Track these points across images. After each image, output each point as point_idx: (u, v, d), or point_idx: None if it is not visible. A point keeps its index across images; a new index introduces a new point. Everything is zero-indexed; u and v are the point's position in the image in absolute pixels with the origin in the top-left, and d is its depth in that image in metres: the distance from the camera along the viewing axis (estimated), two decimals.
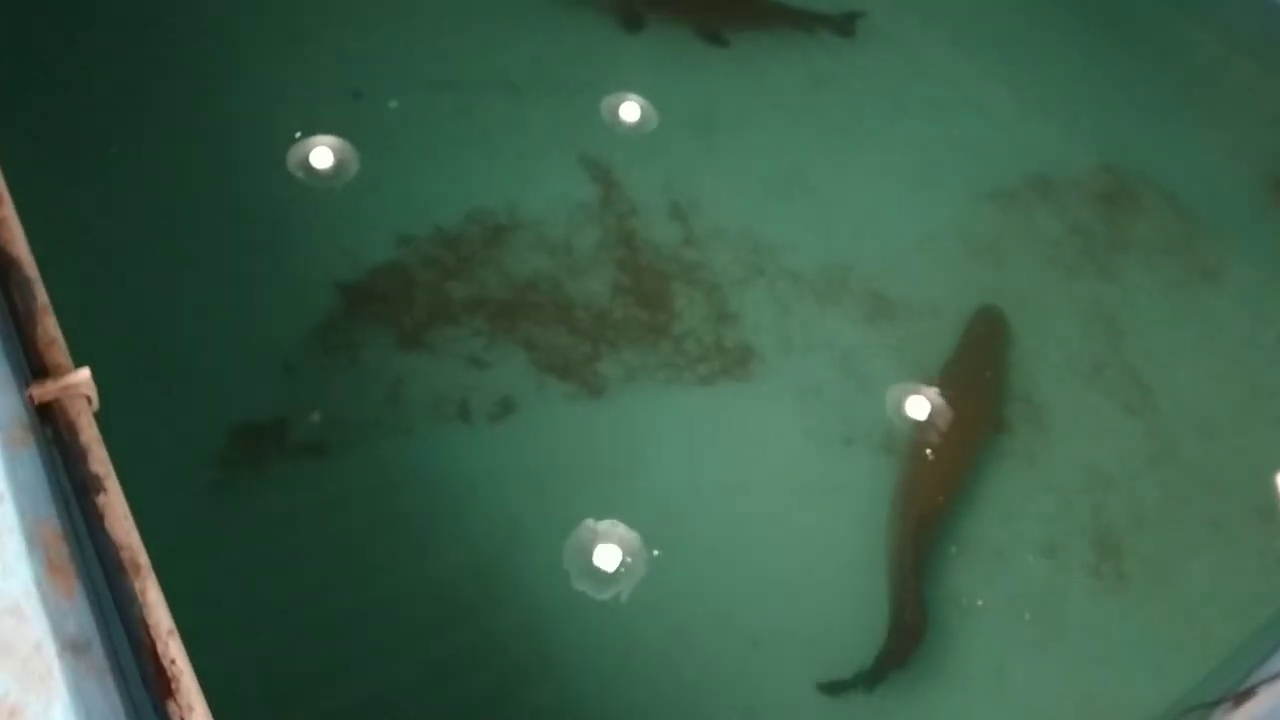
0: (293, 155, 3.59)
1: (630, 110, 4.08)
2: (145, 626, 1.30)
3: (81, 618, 1.24)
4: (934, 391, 3.52)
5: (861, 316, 3.68)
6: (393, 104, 3.74)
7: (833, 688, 2.85)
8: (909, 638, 2.96)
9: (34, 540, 1.24)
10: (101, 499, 1.39)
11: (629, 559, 2.92)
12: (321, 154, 3.61)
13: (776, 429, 3.33)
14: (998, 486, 3.39)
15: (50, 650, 1.16)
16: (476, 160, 3.71)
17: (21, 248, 1.60)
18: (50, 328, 1.54)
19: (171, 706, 1.26)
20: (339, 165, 3.61)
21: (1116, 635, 3.15)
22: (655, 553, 2.93)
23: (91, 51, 3.73)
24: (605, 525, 2.98)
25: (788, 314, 3.59)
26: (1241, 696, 2.49)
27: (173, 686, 1.26)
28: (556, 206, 3.63)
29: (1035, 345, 3.78)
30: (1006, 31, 4.97)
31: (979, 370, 3.73)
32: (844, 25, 4.58)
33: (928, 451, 3.34)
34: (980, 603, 3.09)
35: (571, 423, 3.16)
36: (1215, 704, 2.61)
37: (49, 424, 1.46)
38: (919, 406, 3.49)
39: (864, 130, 4.29)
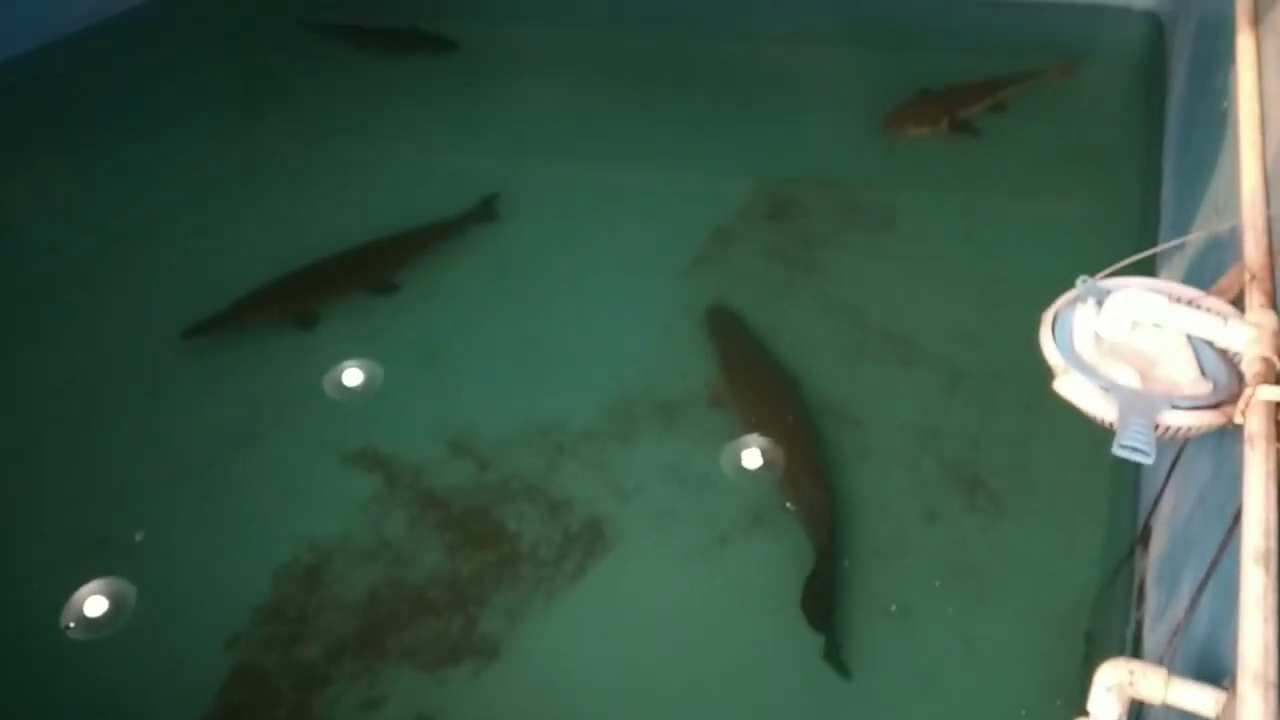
0: (65, 615, 3.29)
1: (354, 376, 4.08)
2: None
3: None
4: (748, 435, 3.72)
5: (662, 428, 3.83)
6: (139, 536, 3.52)
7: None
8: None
9: None
10: None
11: None
12: (94, 603, 3.35)
13: (662, 571, 3.37)
14: (856, 493, 3.59)
15: None
16: (249, 526, 3.55)
17: None
18: None
19: None
20: (116, 606, 3.34)
21: (1021, 546, 3.40)
22: None
23: None
24: None
25: (605, 470, 3.67)
26: (1144, 538, 2.77)
27: None
28: (350, 515, 3.54)
29: (804, 363, 4.08)
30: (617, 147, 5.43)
31: (747, 361, 4.03)
32: (487, 210, 4.82)
33: (788, 505, 3.51)
34: (893, 608, 3.24)
35: (490, 698, 3.05)
36: (1130, 554, 2.87)
37: None
38: (752, 457, 3.67)
39: (561, 282, 4.53)
